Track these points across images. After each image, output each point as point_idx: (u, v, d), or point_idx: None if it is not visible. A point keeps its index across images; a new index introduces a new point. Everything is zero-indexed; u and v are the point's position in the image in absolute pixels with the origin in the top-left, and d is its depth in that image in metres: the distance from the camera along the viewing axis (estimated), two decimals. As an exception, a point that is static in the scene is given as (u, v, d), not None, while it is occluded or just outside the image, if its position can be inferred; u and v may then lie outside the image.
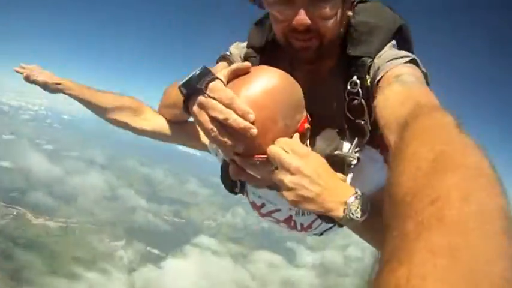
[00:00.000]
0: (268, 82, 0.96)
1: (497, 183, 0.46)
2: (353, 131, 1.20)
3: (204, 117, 0.91)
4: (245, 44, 1.40)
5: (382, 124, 0.93)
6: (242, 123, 0.89)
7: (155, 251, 55.24)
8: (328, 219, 1.09)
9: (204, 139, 1.58)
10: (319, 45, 1.11)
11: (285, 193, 0.95)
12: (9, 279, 36.34)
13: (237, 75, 0.98)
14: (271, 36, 1.29)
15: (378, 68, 1.11)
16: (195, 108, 0.92)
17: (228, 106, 0.89)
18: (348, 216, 0.93)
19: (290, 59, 1.23)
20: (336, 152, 1.16)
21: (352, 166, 1.16)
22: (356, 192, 0.96)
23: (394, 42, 1.22)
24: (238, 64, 1.00)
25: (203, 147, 1.63)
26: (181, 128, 1.66)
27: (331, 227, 1.37)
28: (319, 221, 1.29)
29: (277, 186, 0.99)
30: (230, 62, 1.36)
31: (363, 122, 1.17)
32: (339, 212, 0.94)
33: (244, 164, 1.01)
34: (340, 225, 1.15)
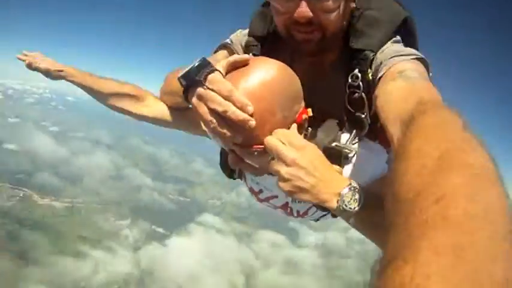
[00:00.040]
0: (266, 74, 0.97)
1: (500, 183, 0.46)
2: (352, 123, 1.21)
3: (203, 109, 0.92)
4: (246, 31, 1.38)
5: (383, 118, 0.93)
6: (241, 115, 0.90)
7: (160, 229, 56.52)
8: (323, 207, 1.09)
9: None
10: (322, 38, 1.11)
11: (281, 184, 0.97)
12: (17, 258, 37.58)
13: (235, 67, 0.99)
14: (272, 27, 1.29)
15: (381, 63, 1.11)
16: (194, 100, 0.94)
17: (226, 98, 0.90)
18: (341, 207, 0.95)
19: (291, 51, 1.23)
20: (334, 144, 1.16)
21: (349, 158, 1.17)
22: (350, 184, 0.97)
23: (398, 37, 1.21)
24: (236, 56, 1.00)
25: (204, 133, 1.66)
26: (183, 115, 1.65)
27: (325, 215, 1.38)
28: (314, 208, 1.29)
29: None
30: (230, 50, 1.39)
31: (362, 115, 1.18)
32: (332, 203, 0.96)
33: (242, 154, 1.03)
34: (334, 216, 1.19)
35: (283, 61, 1.04)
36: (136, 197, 67.40)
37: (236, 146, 1.00)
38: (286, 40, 1.15)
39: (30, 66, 1.81)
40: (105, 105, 1.77)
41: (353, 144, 1.18)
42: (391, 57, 1.08)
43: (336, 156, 1.13)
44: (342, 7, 1.09)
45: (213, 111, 0.91)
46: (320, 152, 1.02)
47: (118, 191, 67.43)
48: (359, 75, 1.15)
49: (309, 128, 1.13)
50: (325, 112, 1.19)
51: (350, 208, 0.95)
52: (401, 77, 1.00)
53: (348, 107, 1.19)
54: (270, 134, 0.98)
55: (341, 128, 1.21)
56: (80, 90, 1.82)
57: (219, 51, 1.42)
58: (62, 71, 1.79)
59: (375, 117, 1.06)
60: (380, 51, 1.14)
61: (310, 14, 1.05)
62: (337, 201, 0.95)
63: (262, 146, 0.97)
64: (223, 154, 1.48)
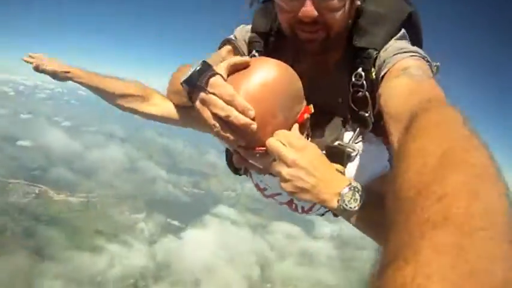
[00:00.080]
0: (267, 75, 0.98)
1: (501, 183, 0.46)
2: (356, 122, 1.22)
3: (207, 114, 0.95)
4: (249, 27, 1.39)
5: (386, 114, 0.93)
6: (243, 119, 0.92)
7: (175, 222, 56.32)
8: None
9: None
10: (326, 37, 1.10)
11: (283, 184, 0.99)
12: (34, 254, 37.85)
13: (236, 69, 1.00)
14: (276, 25, 1.29)
15: (384, 61, 1.10)
16: (198, 104, 0.96)
17: (228, 102, 0.92)
18: (341, 206, 0.96)
19: (295, 49, 1.23)
20: (337, 143, 1.18)
21: (352, 157, 1.18)
22: (350, 184, 0.98)
23: (401, 33, 1.19)
24: (237, 58, 1.01)
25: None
26: (189, 113, 1.63)
27: (329, 210, 1.36)
28: (318, 205, 1.30)
29: None
30: (234, 46, 1.42)
31: (366, 114, 1.19)
32: (333, 203, 0.97)
33: (246, 155, 1.05)
34: (335, 215, 1.21)
35: (286, 59, 1.04)
36: (151, 190, 67.39)
37: (240, 148, 1.02)
38: (290, 39, 1.15)
39: (37, 69, 1.81)
40: (113, 104, 1.76)
41: (356, 143, 1.19)
42: (394, 55, 1.07)
43: (339, 155, 1.14)
44: (347, 6, 1.08)
45: (216, 116, 0.93)
46: (320, 152, 1.02)
47: (133, 183, 67.52)
48: (363, 74, 1.14)
49: (309, 129, 1.13)
50: (329, 111, 1.22)
51: (350, 208, 0.96)
52: (405, 74, 0.99)
53: (352, 105, 1.20)
54: (272, 135, 0.99)
55: (344, 126, 1.22)
56: (92, 85, 1.69)
57: (224, 47, 1.43)
58: (68, 72, 1.78)
59: (379, 116, 1.05)
60: (383, 49, 1.12)
61: (315, 13, 1.04)
62: (338, 201, 0.96)
63: (264, 148, 0.99)
64: (228, 151, 1.53)
